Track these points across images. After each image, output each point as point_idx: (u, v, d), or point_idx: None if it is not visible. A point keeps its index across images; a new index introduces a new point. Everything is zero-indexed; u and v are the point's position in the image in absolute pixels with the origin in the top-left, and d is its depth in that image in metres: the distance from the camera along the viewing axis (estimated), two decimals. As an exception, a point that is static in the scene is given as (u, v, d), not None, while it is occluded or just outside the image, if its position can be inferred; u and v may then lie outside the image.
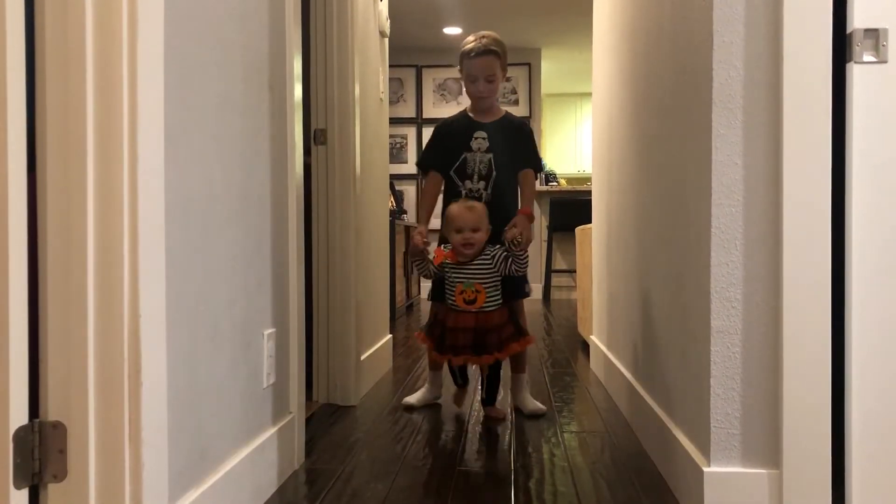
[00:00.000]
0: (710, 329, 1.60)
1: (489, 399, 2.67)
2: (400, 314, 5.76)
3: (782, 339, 1.56)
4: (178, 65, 1.37)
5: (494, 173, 2.66)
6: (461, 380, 2.73)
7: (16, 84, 1.12)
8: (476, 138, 2.68)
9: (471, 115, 2.76)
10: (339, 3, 2.80)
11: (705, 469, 1.60)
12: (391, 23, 3.82)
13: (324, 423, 2.57)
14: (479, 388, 2.73)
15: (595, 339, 3.58)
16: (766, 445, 1.59)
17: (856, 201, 1.57)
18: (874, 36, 1.56)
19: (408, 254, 2.58)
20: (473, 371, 2.91)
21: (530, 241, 2.55)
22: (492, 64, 2.64)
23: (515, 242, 2.47)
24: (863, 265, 1.56)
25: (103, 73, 1.19)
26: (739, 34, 1.59)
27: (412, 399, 2.83)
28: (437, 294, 2.69)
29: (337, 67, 2.81)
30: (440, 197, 2.77)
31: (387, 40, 3.66)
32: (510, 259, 2.51)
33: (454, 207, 2.54)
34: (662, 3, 2.13)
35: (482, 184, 2.66)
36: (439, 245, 2.64)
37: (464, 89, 2.82)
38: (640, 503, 1.81)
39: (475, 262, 2.53)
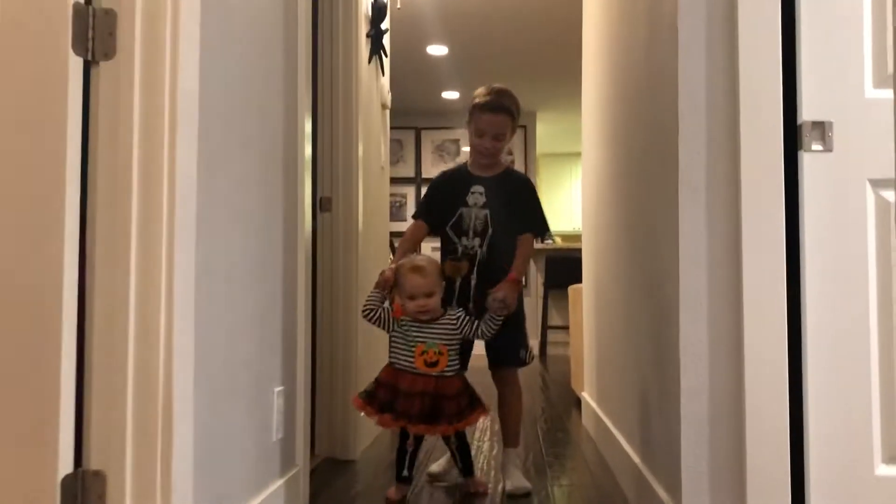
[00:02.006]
0: (679, 387, 1.77)
1: (467, 469, 2.47)
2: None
3: (744, 395, 1.72)
4: (207, 152, 1.57)
5: (490, 230, 2.52)
6: (408, 470, 2.40)
7: (72, 181, 1.32)
8: (472, 192, 2.56)
9: (470, 168, 2.64)
10: (345, 80, 3.03)
11: (678, 516, 1.75)
12: (391, 86, 4.06)
13: (326, 476, 2.71)
14: (453, 458, 2.49)
15: (586, 396, 3.72)
16: (732, 495, 1.74)
17: (809, 272, 1.75)
18: (821, 128, 1.77)
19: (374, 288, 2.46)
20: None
21: (511, 310, 2.43)
22: (504, 123, 2.53)
23: (497, 309, 2.38)
24: (817, 327, 1.73)
25: (146, 169, 1.39)
26: (701, 125, 1.80)
27: (436, 468, 2.64)
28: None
29: (342, 140, 3.03)
30: (423, 246, 2.68)
31: (388, 112, 3.90)
32: (477, 323, 2.39)
33: (404, 273, 2.37)
34: (639, 85, 2.36)
35: (477, 240, 2.52)
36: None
37: (467, 143, 2.68)
38: (621, 550, 1.95)
39: (440, 321, 2.37)
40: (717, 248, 1.78)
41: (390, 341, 2.42)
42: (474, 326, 2.39)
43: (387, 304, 2.43)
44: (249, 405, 1.83)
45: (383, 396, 2.33)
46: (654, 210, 2.10)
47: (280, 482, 2.03)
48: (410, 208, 8.11)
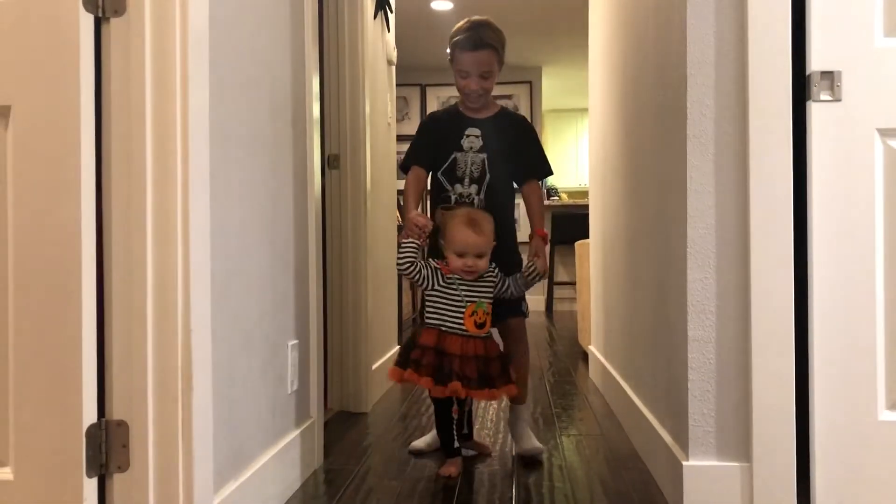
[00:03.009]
0: (687, 338, 1.80)
1: (469, 433, 2.35)
2: (407, 326, 5.95)
3: (751, 346, 1.75)
4: (217, 111, 1.58)
5: (488, 176, 2.33)
6: (462, 438, 2.24)
7: (87, 137, 1.34)
8: (468, 136, 2.35)
9: (462, 110, 2.42)
10: (351, 37, 3.02)
11: (685, 463, 1.79)
12: (397, 43, 4.03)
13: (339, 428, 2.77)
14: (457, 423, 2.25)
15: (593, 349, 3.77)
16: (738, 441, 1.78)
17: (816, 223, 1.76)
18: (830, 77, 1.76)
19: (402, 236, 2.24)
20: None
21: (547, 269, 2.31)
22: (488, 59, 2.30)
23: (537, 275, 2.26)
24: (823, 278, 1.76)
25: (159, 125, 1.41)
26: (710, 77, 1.79)
27: (421, 443, 2.45)
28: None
29: (349, 96, 3.02)
30: (425, 196, 2.41)
31: (394, 68, 3.88)
32: (507, 281, 2.25)
33: (457, 224, 2.15)
34: (646, 40, 2.34)
35: (474, 188, 2.33)
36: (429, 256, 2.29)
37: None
38: (629, 496, 2.00)
39: (486, 278, 2.20)
40: (724, 200, 1.79)
41: (430, 300, 2.19)
42: (506, 285, 2.25)
43: (430, 261, 2.22)
44: (264, 358, 1.87)
45: (429, 361, 2.11)
46: (661, 163, 2.11)
47: (295, 433, 2.08)
48: (416, 166, 8.09)
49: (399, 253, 2.19)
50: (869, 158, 1.75)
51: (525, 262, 2.33)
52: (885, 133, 1.74)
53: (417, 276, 2.16)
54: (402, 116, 8.14)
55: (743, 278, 1.78)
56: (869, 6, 1.75)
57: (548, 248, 2.23)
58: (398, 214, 4.49)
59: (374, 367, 3.18)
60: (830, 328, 1.76)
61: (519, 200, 2.43)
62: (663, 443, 2.00)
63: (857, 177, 1.75)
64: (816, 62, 1.77)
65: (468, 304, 2.15)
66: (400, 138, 4.18)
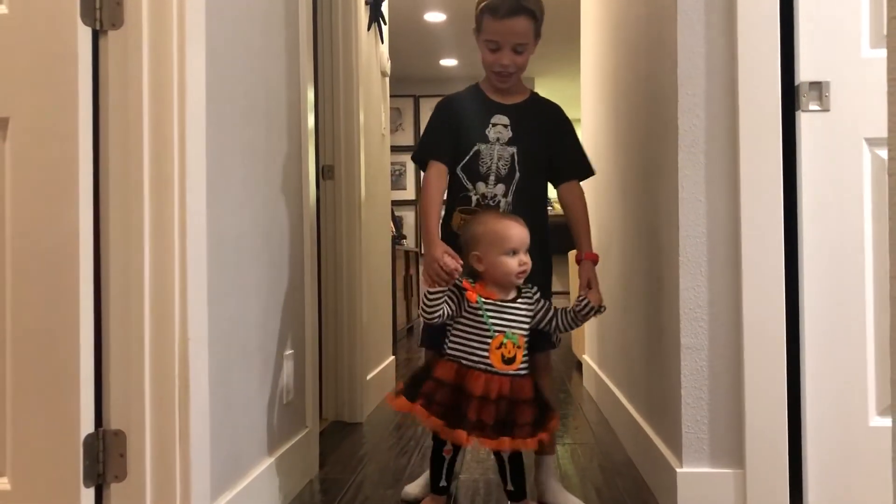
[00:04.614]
0: (679, 346, 1.82)
1: (518, 492, 1.86)
2: (401, 336, 5.97)
3: (743, 353, 1.77)
4: (214, 122, 1.59)
5: (518, 174, 1.91)
6: (446, 480, 1.90)
7: (85, 149, 1.35)
8: (494, 125, 1.93)
9: (487, 92, 1.99)
10: (345, 49, 3.04)
11: (678, 470, 1.81)
12: (390, 54, 4.06)
13: (334, 438, 2.77)
14: (500, 475, 1.89)
15: (587, 359, 3.79)
16: (731, 448, 1.80)
17: (806, 231, 1.79)
18: (818, 88, 1.79)
19: (425, 282, 1.78)
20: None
21: (601, 302, 1.89)
22: (525, 29, 1.88)
23: (592, 310, 1.86)
24: (814, 285, 1.78)
25: (157, 136, 1.42)
26: (700, 87, 1.82)
27: (414, 489, 2.05)
28: (435, 340, 1.86)
29: (343, 107, 3.04)
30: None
31: (388, 79, 3.90)
32: (554, 309, 1.86)
33: (491, 220, 1.80)
34: (638, 52, 2.37)
35: (500, 188, 1.91)
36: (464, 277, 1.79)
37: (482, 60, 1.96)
38: (624, 503, 2.01)
39: (518, 302, 1.81)
40: (716, 209, 1.81)
41: (455, 328, 1.80)
42: (549, 315, 1.84)
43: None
44: (261, 367, 1.88)
45: (442, 399, 1.74)
46: (654, 173, 2.13)
47: (291, 442, 2.08)
48: (410, 177, 8.13)
49: (427, 305, 1.76)
50: (857, 167, 1.78)
51: (578, 293, 1.92)
52: (872, 142, 1.77)
53: (444, 315, 1.78)
54: (395, 127, 8.17)
55: (735, 286, 1.80)
56: (856, 18, 1.79)
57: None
58: (391, 224, 4.50)
59: (368, 377, 3.19)
60: (821, 335, 1.78)
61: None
62: (657, 450, 2.02)
63: (846, 185, 1.78)
64: (805, 73, 1.80)
65: (496, 334, 1.76)
66: (393, 149, 4.20)
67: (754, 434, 1.76)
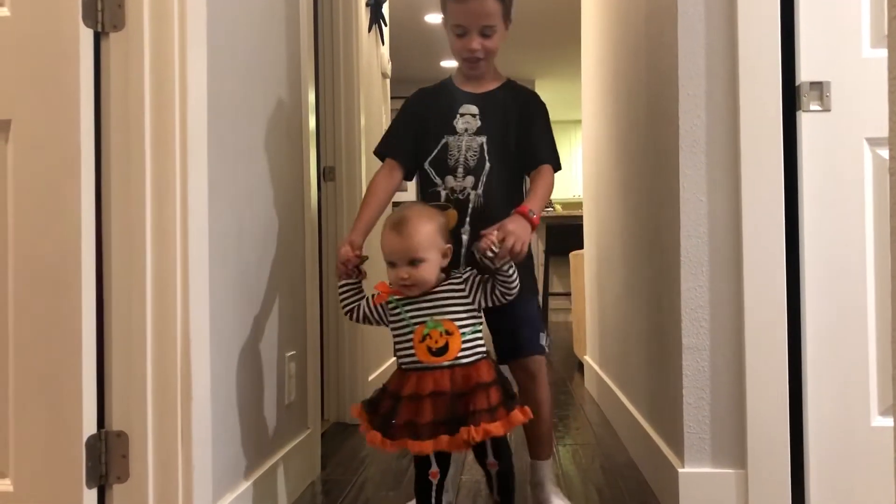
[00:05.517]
0: (681, 346, 1.82)
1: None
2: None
3: (745, 353, 1.77)
4: (215, 123, 1.60)
5: (488, 165, 1.80)
6: (437, 500, 1.69)
7: (86, 151, 1.36)
8: (462, 115, 1.83)
9: (456, 83, 1.90)
10: (346, 50, 3.05)
11: (680, 470, 1.81)
12: (390, 55, 4.06)
13: (336, 439, 2.77)
14: (487, 484, 1.77)
15: (589, 359, 3.78)
16: (733, 448, 1.80)
17: (807, 231, 1.79)
18: (819, 88, 1.79)
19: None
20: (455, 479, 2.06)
21: (520, 253, 1.61)
22: (492, 10, 1.77)
23: (488, 254, 1.59)
24: (815, 285, 1.78)
25: (158, 137, 1.42)
26: (701, 88, 1.82)
27: None
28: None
29: (344, 109, 3.05)
30: (397, 197, 1.96)
31: (388, 80, 3.91)
32: (489, 282, 1.64)
33: (386, 225, 1.67)
34: (639, 52, 2.37)
35: (469, 180, 1.80)
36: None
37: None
38: (625, 503, 2.01)
39: (440, 288, 1.65)
40: (717, 209, 1.81)
41: (392, 337, 1.70)
42: (488, 289, 1.64)
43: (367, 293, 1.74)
44: (263, 368, 1.88)
45: (385, 408, 1.62)
46: (655, 174, 2.13)
47: (293, 443, 2.08)
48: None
49: (339, 299, 1.74)
50: (858, 167, 1.78)
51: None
52: (873, 142, 1.77)
53: (364, 319, 1.71)
54: (396, 129, 8.17)
55: (736, 286, 1.80)
56: (856, 18, 1.79)
57: (531, 233, 1.67)
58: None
59: (370, 378, 3.19)
60: (823, 335, 1.78)
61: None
62: (659, 450, 2.02)
63: (847, 185, 1.78)
64: (806, 73, 1.80)
65: (415, 326, 1.63)
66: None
67: (756, 434, 1.76)
